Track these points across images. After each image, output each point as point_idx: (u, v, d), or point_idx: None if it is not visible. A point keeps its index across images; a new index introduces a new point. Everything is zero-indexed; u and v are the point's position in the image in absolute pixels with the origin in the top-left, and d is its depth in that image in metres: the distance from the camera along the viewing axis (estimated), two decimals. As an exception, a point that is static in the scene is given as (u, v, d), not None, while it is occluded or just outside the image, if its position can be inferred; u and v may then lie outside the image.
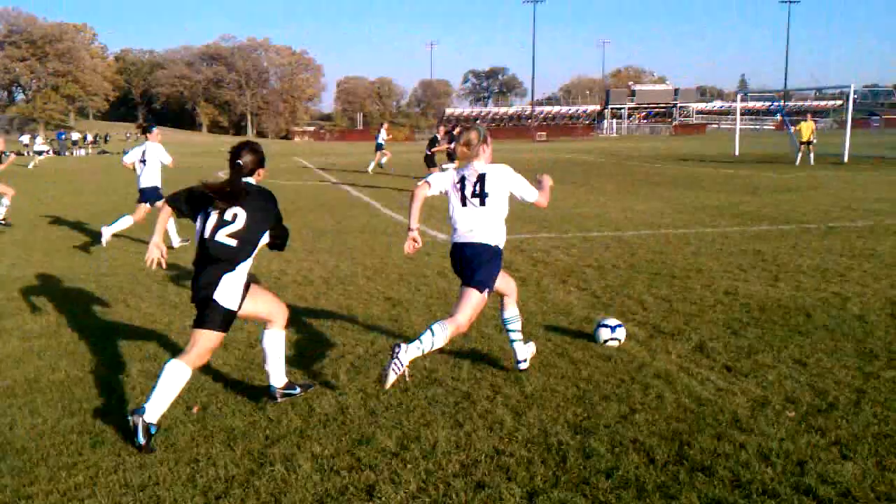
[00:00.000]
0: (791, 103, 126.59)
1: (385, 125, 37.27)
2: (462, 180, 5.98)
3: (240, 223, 5.18)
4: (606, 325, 7.03)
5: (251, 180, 5.46)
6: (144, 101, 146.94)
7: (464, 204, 5.99)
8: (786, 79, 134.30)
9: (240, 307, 5.24)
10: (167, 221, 5.52)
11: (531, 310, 8.27)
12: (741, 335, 7.20)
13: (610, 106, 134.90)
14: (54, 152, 64.02)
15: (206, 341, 5.15)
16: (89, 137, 76.49)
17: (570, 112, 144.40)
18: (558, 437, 4.94)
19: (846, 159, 34.13)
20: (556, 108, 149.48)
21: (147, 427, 4.90)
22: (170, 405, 5.10)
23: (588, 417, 5.28)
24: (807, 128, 33.79)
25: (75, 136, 73.44)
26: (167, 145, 14.12)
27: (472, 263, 5.88)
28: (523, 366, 6.27)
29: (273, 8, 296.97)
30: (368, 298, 8.97)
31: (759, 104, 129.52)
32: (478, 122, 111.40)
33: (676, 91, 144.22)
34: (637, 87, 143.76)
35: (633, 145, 62.79)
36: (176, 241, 12.98)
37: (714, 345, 6.91)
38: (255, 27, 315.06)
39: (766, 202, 18.26)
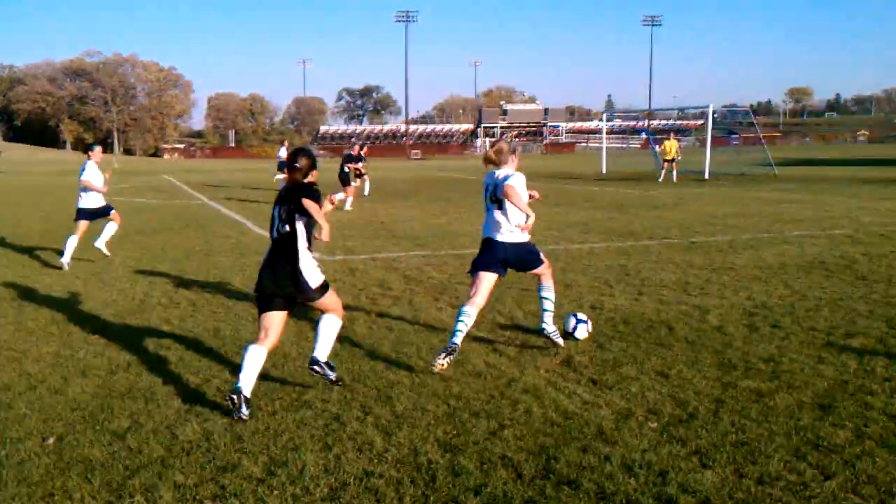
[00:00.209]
0: (655, 122, 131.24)
1: (286, 142, 37.12)
2: (487, 186, 7.17)
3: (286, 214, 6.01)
4: (576, 317, 7.68)
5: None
6: (4, 118, 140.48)
7: (485, 204, 7.24)
8: (650, 99, 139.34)
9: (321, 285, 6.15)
10: None
11: (403, 328, 8.26)
12: (606, 349, 7.38)
13: (483, 125, 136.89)
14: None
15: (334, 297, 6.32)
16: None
17: (444, 130, 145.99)
18: (428, 456, 4.93)
19: (707, 176, 35.61)
20: (430, 127, 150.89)
21: (245, 399, 5.68)
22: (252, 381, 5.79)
23: (458, 435, 5.29)
24: (671, 146, 35.15)
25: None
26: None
27: (521, 256, 7.22)
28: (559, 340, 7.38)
29: (140, 23, 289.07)
30: (237, 320, 8.77)
31: (625, 123, 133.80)
32: (359, 137, 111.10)
33: (546, 111, 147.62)
34: (508, 107, 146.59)
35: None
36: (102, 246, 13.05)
37: (581, 358, 7.05)
38: (122, 43, 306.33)
39: (631, 218, 18.83)
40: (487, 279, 7.11)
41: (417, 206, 24.07)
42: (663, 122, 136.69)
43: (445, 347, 6.80)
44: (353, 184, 23.98)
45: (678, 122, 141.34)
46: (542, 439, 5.18)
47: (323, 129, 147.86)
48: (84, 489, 4.60)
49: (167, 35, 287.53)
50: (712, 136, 40.46)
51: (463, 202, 24.32)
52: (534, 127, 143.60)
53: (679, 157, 35.17)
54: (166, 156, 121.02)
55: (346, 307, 9.24)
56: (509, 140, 7.27)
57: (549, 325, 7.47)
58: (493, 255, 7.12)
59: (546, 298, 7.49)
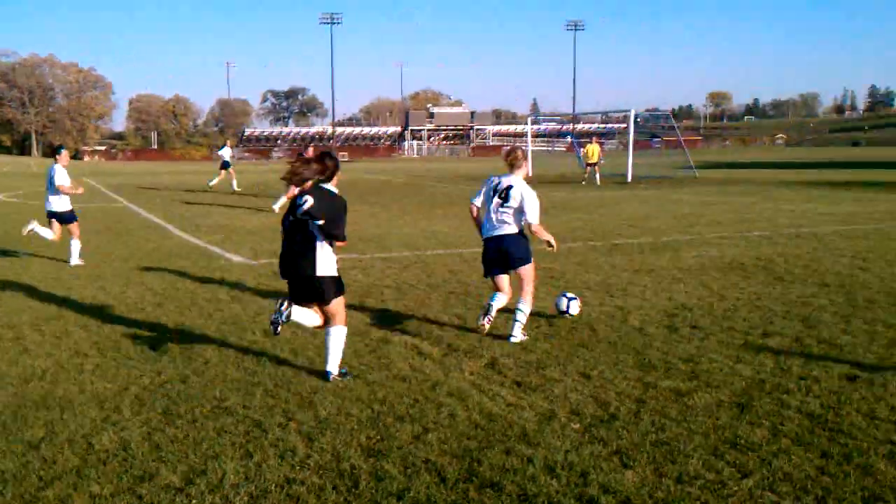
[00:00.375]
0: (580, 126, 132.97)
1: (228, 142, 36.79)
2: (496, 187, 7.97)
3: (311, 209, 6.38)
4: (566, 296, 8.68)
5: (331, 186, 6.63)
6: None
7: (490, 203, 8.01)
8: (574, 103, 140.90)
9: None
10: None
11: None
12: (531, 350, 7.42)
13: (410, 127, 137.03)
14: None
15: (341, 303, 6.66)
16: None
17: (371, 133, 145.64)
18: (351, 462, 4.89)
19: (629, 179, 36.21)
20: (357, 129, 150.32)
21: (339, 376, 6.54)
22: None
23: (382, 440, 5.25)
24: (593, 150, 35.70)
25: None
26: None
27: (515, 250, 7.93)
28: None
29: (58, 23, 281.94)
30: (157, 325, 8.59)
31: (550, 126, 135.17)
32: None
33: (473, 114, 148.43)
34: (435, 110, 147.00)
35: (433, 166, 63.99)
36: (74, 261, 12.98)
37: (506, 361, 7.08)
38: (39, 43, 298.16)
39: (555, 221, 19.00)
40: (503, 278, 8.10)
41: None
42: (588, 125, 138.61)
43: (486, 312, 7.95)
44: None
45: (603, 125, 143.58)
46: (466, 442, 5.18)
47: (248, 131, 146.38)
48: (-7, 503, 4.44)
49: (87, 36, 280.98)
50: (635, 140, 41.16)
51: (391, 205, 24.25)
52: (461, 130, 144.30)
53: (602, 161, 35.74)
54: (87, 158, 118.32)
55: (267, 313, 9.16)
56: (521, 147, 8.82)
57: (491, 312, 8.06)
58: (502, 253, 7.97)
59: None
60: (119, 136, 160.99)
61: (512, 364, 6.99)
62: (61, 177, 12.88)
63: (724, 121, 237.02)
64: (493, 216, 7.96)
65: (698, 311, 8.96)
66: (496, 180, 8.04)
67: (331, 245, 6.53)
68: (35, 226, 13.15)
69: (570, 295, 8.70)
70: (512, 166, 8.02)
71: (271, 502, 4.40)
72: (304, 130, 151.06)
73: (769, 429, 5.37)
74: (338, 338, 6.61)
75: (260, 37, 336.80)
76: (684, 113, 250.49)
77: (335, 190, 6.65)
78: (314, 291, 6.54)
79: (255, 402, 6.05)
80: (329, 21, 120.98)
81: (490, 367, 6.91)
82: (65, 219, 13.16)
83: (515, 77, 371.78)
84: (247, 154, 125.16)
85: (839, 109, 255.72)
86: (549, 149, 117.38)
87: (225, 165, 33.61)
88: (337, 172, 6.65)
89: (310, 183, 6.51)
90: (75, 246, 12.99)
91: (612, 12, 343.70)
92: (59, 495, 4.52)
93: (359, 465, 4.85)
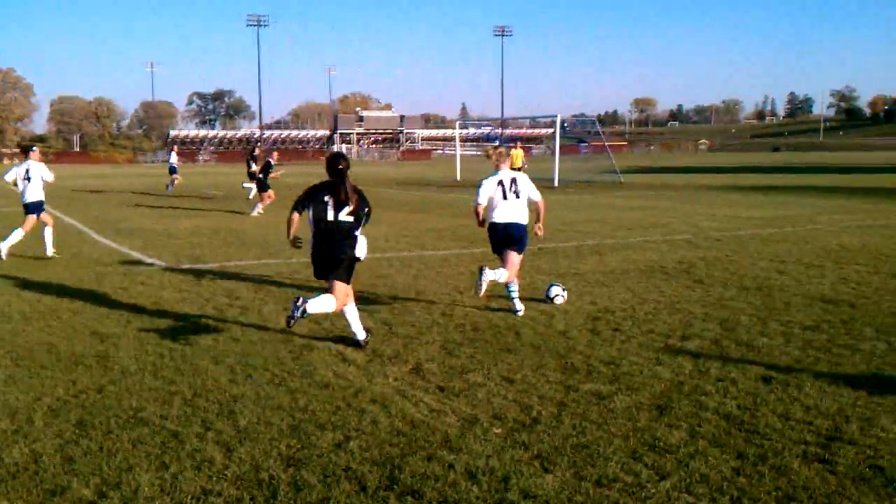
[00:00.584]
0: (508, 131, 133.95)
1: (175, 147, 36.73)
2: (501, 182, 9.17)
3: (351, 206, 7.58)
4: (557, 284, 9.88)
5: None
6: None
7: (505, 197, 9.14)
8: (502, 107, 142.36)
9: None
10: (296, 226, 7.98)
11: (250, 338, 8.07)
12: (455, 355, 7.42)
13: (339, 131, 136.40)
14: None
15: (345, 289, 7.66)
16: None
17: (299, 136, 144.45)
18: (270, 472, 4.81)
19: (556, 184, 36.58)
20: (285, 132, 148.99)
21: (365, 340, 7.77)
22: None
23: (302, 448, 5.18)
24: (517, 155, 36.04)
25: None
26: None
27: (518, 236, 9.15)
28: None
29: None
30: (73, 334, 8.35)
31: (479, 131, 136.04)
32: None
33: (402, 118, 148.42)
34: (364, 114, 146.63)
35: (362, 170, 63.63)
36: (49, 251, 14.08)
37: (430, 366, 7.06)
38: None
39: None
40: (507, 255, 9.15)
41: (271, 213, 23.62)
42: (515, 130, 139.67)
43: (480, 271, 8.77)
44: (270, 191, 23.73)
45: (531, 130, 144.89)
46: (388, 449, 5.14)
47: (173, 133, 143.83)
48: None
49: (6, 37, 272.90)
50: (563, 145, 41.63)
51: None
52: (390, 134, 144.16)
53: (525, 166, 36.05)
54: (6, 161, 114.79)
55: (189, 317, 9.03)
56: (505, 147, 10.44)
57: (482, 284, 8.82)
58: (507, 237, 9.17)
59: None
60: (40, 139, 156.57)
61: (436, 369, 6.98)
62: (47, 171, 14.32)
63: (649, 126, 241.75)
64: (507, 204, 9.15)
65: (620, 315, 9.08)
66: (499, 176, 9.21)
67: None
68: (3, 245, 13.89)
69: (560, 288, 9.77)
70: (498, 164, 9.31)
71: (187, 515, 4.30)
72: (230, 133, 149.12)
73: (687, 430, 5.45)
74: (353, 312, 7.82)
75: (185, 38, 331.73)
76: (610, 118, 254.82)
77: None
78: (345, 271, 7.69)
79: (172, 412, 5.92)
80: (256, 23, 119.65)
81: (414, 373, 6.89)
82: (40, 209, 14.17)
83: (445, 81, 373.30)
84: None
85: (760, 115, 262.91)
86: (479, 153, 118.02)
87: (172, 170, 33.68)
88: (349, 169, 7.75)
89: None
90: (49, 233, 14.14)
91: (539, 18, 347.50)
92: (-37, 512, 4.35)
93: (278, 474, 4.77)
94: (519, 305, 9.15)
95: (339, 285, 7.61)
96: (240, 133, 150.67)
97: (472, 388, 6.45)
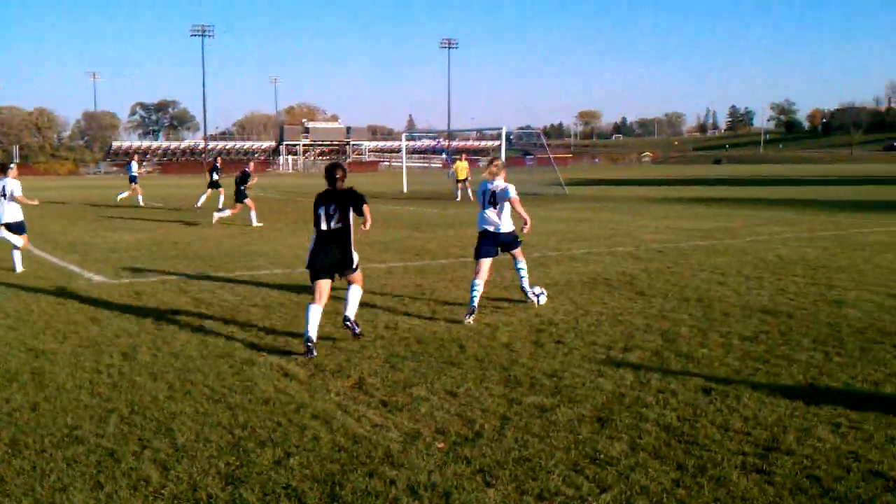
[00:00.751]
0: (455, 143, 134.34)
1: (136, 157, 36.40)
2: (485, 192, 10.00)
3: (340, 211, 8.26)
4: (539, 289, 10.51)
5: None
6: None
7: (485, 206, 9.97)
8: (449, 120, 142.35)
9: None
10: None
11: (189, 354, 7.95)
12: (399, 369, 7.38)
13: (285, 142, 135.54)
14: None
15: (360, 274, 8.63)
16: None
17: (245, 147, 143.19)
18: (208, 491, 4.72)
19: (503, 196, 36.66)
20: (230, 143, 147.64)
21: (353, 324, 8.50)
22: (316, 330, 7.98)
23: (241, 466, 5.10)
24: (461, 167, 36.18)
25: None
26: None
27: (507, 240, 10.02)
28: (542, 299, 10.37)
29: None
30: (7, 350, 8.14)
31: (425, 143, 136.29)
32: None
33: (349, 129, 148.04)
34: (311, 125, 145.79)
35: (308, 182, 63.31)
36: (19, 268, 13.76)
37: (373, 380, 7.02)
38: None
39: (429, 237, 19.10)
40: (486, 262, 9.84)
41: (213, 225, 23.37)
42: (462, 142, 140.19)
43: (469, 310, 9.50)
44: (247, 201, 23.58)
45: (477, 142, 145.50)
46: (329, 466, 5.09)
47: (115, 144, 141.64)
48: None
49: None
50: (509, 157, 41.90)
51: (262, 221, 23.78)
52: (337, 145, 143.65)
53: (469, 178, 36.23)
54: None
55: (128, 333, 8.86)
56: (501, 159, 11.32)
57: (527, 286, 10.30)
58: (489, 243, 9.93)
59: (521, 269, 10.33)
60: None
61: (379, 383, 6.94)
62: (19, 188, 13.83)
63: (594, 139, 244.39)
64: (487, 215, 9.97)
65: (564, 327, 9.12)
66: (485, 186, 10.04)
67: (359, 213, 8.38)
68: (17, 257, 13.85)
69: (541, 290, 10.48)
70: (493, 174, 10.05)
71: (121, 536, 4.21)
72: (174, 144, 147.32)
73: (628, 442, 5.48)
74: (356, 293, 8.52)
75: (128, 48, 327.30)
76: (556, 131, 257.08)
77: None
78: (349, 265, 8.43)
79: (108, 430, 5.80)
80: (200, 33, 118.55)
81: (357, 387, 6.84)
82: (20, 229, 13.93)
83: (392, 93, 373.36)
84: (114, 168, 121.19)
85: (702, 128, 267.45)
86: (426, 165, 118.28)
87: (132, 180, 33.92)
88: (345, 177, 8.51)
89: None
90: (18, 255, 13.84)
91: (485, 31, 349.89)
92: None
93: (216, 493, 4.69)
94: (536, 296, 10.31)
95: (356, 275, 8.58)
96: (184, 144, 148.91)
97: (416, 402, 6.42)
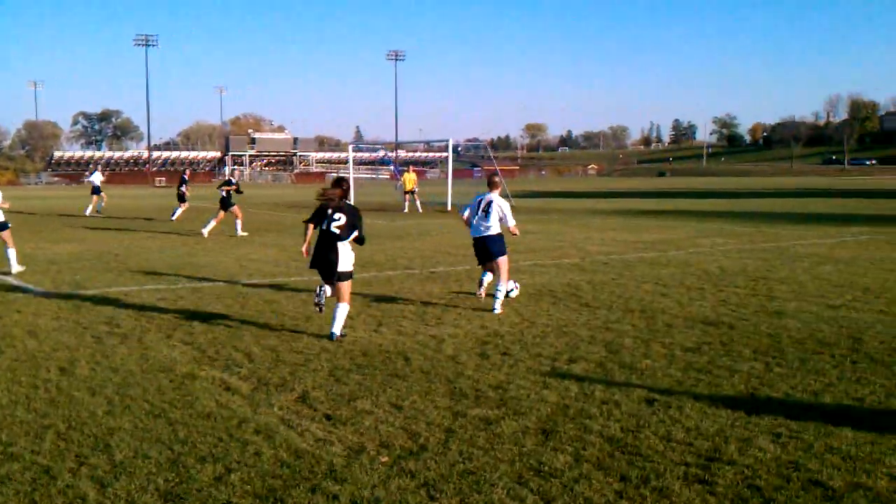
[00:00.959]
0: (403, 154, 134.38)
1: (99, 167, 35.95)
2: (480, 203, 11.12)
3: (342, 221, 9.27)
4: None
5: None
6: None
7: (475, 215, 11.11)
8: (396, 131, 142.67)
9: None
10: (311, 233, 9.59)
11: (129, 368, 7.80)
12: (343, 382, 7.32)
13: (230, 153, 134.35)
14: None
15: (348, 287, 9.34)
16: None
17: (189, 157, 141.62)
18: (146, 508, 4.62)
19: (450, 207, 36.80)
20: (175, 154, 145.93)
21: (341, 336, 9.08)
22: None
23: (180, 483, 5.00)
24: (409, 179, 36.26)
25: None
26: None
27: (493, 247, 11.04)
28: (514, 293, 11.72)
29: None
30: (-62, 366, 7.91)
31: (373, 155, 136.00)
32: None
33: (296, 140, 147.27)
34: (257, 135, 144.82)
35: (255, 192, 62.69)
36: (15, 269, 14.63)
37: (317, 394, 6.95)
38: None
39: (375, 249, 19.00)
40: (489, 265, 11.17)
41: (156, 236, 23.03)
42: (410, 153, 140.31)
43: (480, 285, 11.46)
44: (233, 209, 23.53)
45: (425, 153, 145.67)
46: (271, 482, 5.01)
47: (57, 154, 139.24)
48: None
49: None
50: (456, 169, 41.99)
51: (211, 232, 23.46)
52: (283, 156, 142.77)
53: (416, 189, 36.32)
54: None
55: (66, 346, 8.67)
56: (498, 175, 12.50)
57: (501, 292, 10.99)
58: (485, 249, 11.14)
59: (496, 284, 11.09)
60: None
61: (323, 396, 6.87)
62: None
63: (540, 151, 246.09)
64: (479, 224, 11.05)
65: (509, 338, 9.14)
66: (480, 197, 11.11)
67: (359, 242, 9.50)
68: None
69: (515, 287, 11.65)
70: (491, 186, 11.24)
71: (54, 557, 4.09)
72: (117, 154, 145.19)
73: (572, 454, 5.50)
74: (343, 312, 9.16)
75: (71, 57, 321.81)
76: (503, 143, 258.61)
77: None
78: (335, 276, 9.15)
79: (45, 447, 5.65)
80: (144, 43, 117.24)
81: (301, 401, 6.76)
82: (5, 227, 14.84)
83: (339, 104, 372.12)
84: (56, 179, 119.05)
85: (646, 142, 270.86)
86: (373, 176, 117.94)
87: (96, 191, 33.82)
88: (348, 191, 9.61)
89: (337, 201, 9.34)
90: (12, 254, 14.76)
91: (432, 43, 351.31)
92: None
93: (154, 511, 4.60)
94: (499, 302, 10.85)
95: (343, 287, 9.23)
96: (127, 154, 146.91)
97: (360, 415, 6.37)
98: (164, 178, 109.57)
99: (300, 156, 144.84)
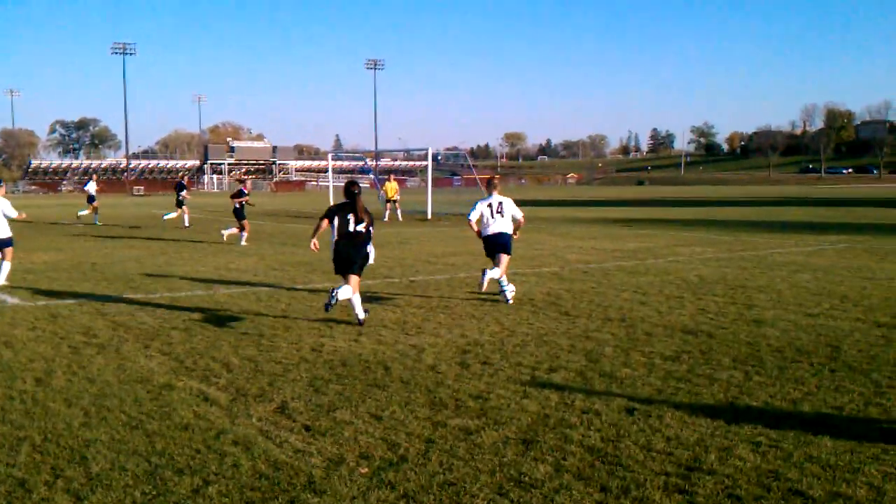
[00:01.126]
0: (382, 163, 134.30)
1: (94, 176, 36.10)
2: (490, 204, 12.38)
3: (365, 221, 10.50)
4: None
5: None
6: None
7: (492, 216, 12.35)
8: (376, 139, 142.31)
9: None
10: (322, 230, 10.58)
11: (106, 379, 7.72)
12: (323, 392, 7.28)
13: (209, 161, 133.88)
14: None
15: (358, 280, 10.44)
16: None
17: (168, 166, 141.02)
18: (122, 521, 4.57)
19: (430, 216, 36.81)
20: (153, 162, 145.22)
21: (364, 318, 10.44)
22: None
23: (157, 495, 4.95)
24: (391, 188, 36.31)
25: None
26: None
27: (508, 242, 12.42)
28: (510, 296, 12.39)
29: None
30: (-89, 377, 7.80)
31: (352, 163, 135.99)
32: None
33: (275, 149, 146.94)
34: (236, 144, 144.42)
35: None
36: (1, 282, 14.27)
37: (296, 404, 6.90)
38: None
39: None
40: (498, 257, 12.24)
41: (135, 245, 22.88)
42: (390, 162, 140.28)
43: (483, 272, 12.10)
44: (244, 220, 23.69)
45: (405, 162, 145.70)
46: (249, 494, 4.97)
47: (34, 163, 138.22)
48: None
49: None
50: (436, 178, 42.04)
51: (184, 239, 23.38)
52: (262, 165, 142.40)
53: (398, 198, 36.37)
54: None
55: (42, 357, 8.57)
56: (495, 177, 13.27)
57: (506, 285, 12.30)
58: (495, 244, 12.31)
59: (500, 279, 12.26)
60: None
61: (303, 407, 6.82)
62: (9, 207, 14.63)
63: (520, 160, 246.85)
64: (496, 222, 12.33)
65: (489, 347, 9.13)
66: (489, 200, 12.42)
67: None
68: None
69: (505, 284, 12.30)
70: (494, 188, 12.53)
71: (29, 572, 4.03)
72: (95, 163, 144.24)
73: (552, 464, 5.48)
74: (358, 298, 10.33)
75: (48, 65, 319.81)
76: (483, 152, 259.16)
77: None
78: (360, 270, 10.49)
79: (20, 459, 5.58)
80: (121, 51, 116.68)
81: (279, 412, 6.71)
82: (7, 244, 14.50)
83: (318, 112, 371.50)
84: (33, 187, 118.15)
85: (625, 150, 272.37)
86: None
87: (91, 199, 34.12)
88: (360, 193, 10.69)
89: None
90: (6, 269, 14.45)
91: (411, 52, 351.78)
92: None
93: (131, 524, 4.54)
94: (510, 295, 12.25)
95: (355, 278, 10.33)
96: (105, 162, 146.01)
97: (339, 426, 6.32)
98: (142, 188, 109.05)
99: (279, 164, 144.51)
